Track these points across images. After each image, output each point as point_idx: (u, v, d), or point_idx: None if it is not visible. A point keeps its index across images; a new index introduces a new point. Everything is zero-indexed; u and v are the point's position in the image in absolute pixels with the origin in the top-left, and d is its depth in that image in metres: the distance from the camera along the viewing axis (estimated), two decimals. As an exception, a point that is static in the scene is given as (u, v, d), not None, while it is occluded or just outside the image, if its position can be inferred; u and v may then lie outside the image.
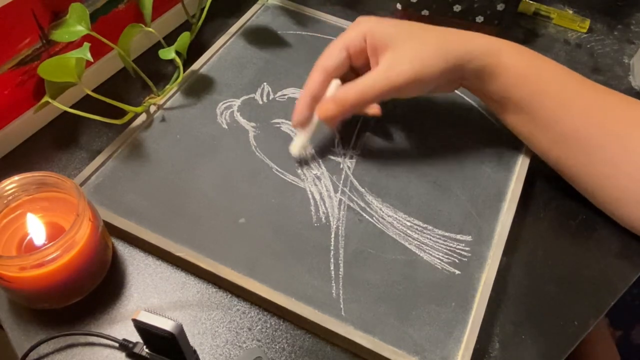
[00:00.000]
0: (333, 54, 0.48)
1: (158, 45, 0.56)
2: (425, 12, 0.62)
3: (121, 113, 0.50)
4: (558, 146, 0.46)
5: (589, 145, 0.44)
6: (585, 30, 0.67)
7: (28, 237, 0.40)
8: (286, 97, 0.55)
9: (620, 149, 0.44)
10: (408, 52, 0.45)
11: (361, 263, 0.44)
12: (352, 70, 0.49)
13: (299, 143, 0.49)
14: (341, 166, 0.50)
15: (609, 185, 0.45)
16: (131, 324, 0.36)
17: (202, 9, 0.59)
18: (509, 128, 0.49)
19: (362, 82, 0.46)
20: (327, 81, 0.48)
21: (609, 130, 0.44)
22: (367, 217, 0.46)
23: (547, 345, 0.41)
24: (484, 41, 0.46)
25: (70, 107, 0.49)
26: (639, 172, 0.43)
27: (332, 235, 0.45)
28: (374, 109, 0.49)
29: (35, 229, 0.40)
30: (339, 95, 0.46)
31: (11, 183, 0.39)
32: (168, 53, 0.52)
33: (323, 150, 0.51)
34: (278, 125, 0.52)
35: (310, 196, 0.47)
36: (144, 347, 0.38)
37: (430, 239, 0.45)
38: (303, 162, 0.49)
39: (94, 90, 0.49)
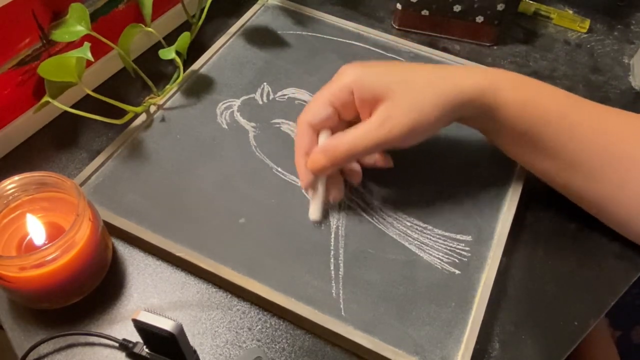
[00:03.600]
0: (318, 110, 0.45)
1: (158, 45, 0.56)
2: (425, 12, 0.62)
3: (121, 113, 0.50)
4: (563, 172, 0.45)
5: (595, 168, 0.44)
6: (585, 30, 0.67)
7: (28, 237, 0.40)
8: (286, 97, 0.55)
9: (626, 169, 0.43)
10: (404, 103, 0.42)
11: (361, 263, 0.44)
12: (343, 122, 0.46)
13: (317, 206, 0.46)
14: (341, 166, 0.50)
15: (617, 206, 0.44)
16: (131, 324, 0.36)
17: (202, 9, 0.59)
18: (511, 157, 0.48)
19: (354, 132, 0.43)
20: (316, 136, 0.45)
21: (614, 151, 0.43)
22: (367, 217, 0.46)
23: (547, 345, 0.41)
24: (478, 79, 0.43)
25: (71, 107, 0.49)
26: None
27: (332, 235, 0.45)
28: (384, 161, 0.46)
29: (35, 229, 0.40)
30: (328, 146, 0.44)
31: (11, 183, 0.39)
32: (168, 53, 0.52)
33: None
34: (278, 126, 0.52)
35: (310, 196, 0.47)
36: (144, 347, 0.38)
37: (430, 239, 0.45)
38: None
39: (94, 90, 0.49)
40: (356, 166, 0.47)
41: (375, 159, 0.46)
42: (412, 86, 0.43)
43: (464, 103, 0.43)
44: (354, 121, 0.45)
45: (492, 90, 0.43)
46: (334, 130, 0.45)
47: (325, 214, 0.46)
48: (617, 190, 0.44)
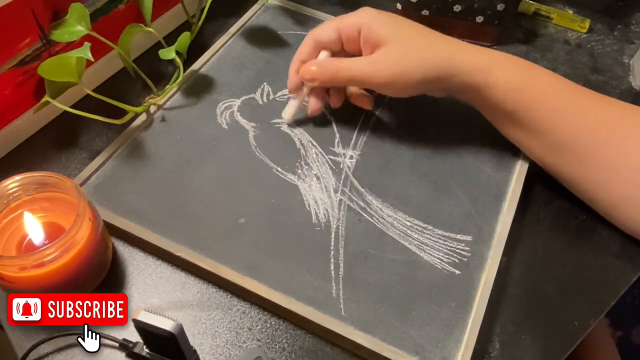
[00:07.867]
0: (325, 31, 0.49)
1: (158, 45, 0.56)
2: (425, 12, 0.62)
3: (121, 113, 0.50)
4: (554, 154, 0.46)
5: (585, 152, 0.44)
6: (585, 30, 0.67)
7: (28, 237, 0.40)
8: (286, 97, 0.55)
9: (616, 154, 0.44)
10: (395, 54, 0.46)
11: (361, 263, 0.44)
12: (344, 52, 0.50)
13: (291, 109, 0.52)
14: (341, 166, 0.50)
15: (606, 191, 0.45)
16: (131, 324, 0.36)
17: (202, 9, 0.59)
18: (504, 134, 0.49)
19: (346, 60, 0.48)
20: (317, 51, 0.50)
21: (604, 136, 0.44)
22: (367, 217, 0.46)
23: (547, 345, 0.41)
24: (472, 58, 0.45)
25: (70, 107, 0.49)
26: (635, 176, 0.43)
27: (332, 235, 0.45)
28: (365, 102, 0.51)
29: (34, 229, 0.40)
30: (321, 62, 0.49)
31: (11, 183, 0.39)
32: (168, 53, 0.52)
33: (323, 150, 0.51)
34: (278, 126, 0.52)
35: (310, 196, 0.47)
36: (144, 347, 0.38)
37: (430, 239, 0.45)
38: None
39: (94, 90, 0.49)
40: (361, 91, 0.52)
41: (359, 96, 0.52)
42: (409, 43, 0.46)
43: (450, 76, 0.45)
44: (355, 55, 0.49)
45: (483, 71, 0.45)
46: (334, 55, 0.50)
47: (331, 209, 0.46)
48: (607, 175, 0.44)
